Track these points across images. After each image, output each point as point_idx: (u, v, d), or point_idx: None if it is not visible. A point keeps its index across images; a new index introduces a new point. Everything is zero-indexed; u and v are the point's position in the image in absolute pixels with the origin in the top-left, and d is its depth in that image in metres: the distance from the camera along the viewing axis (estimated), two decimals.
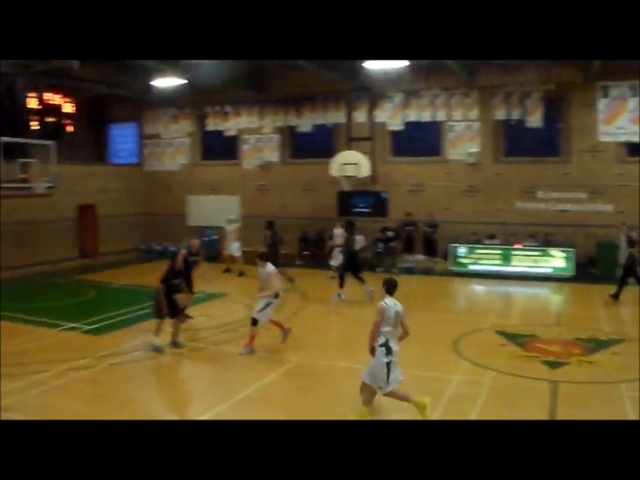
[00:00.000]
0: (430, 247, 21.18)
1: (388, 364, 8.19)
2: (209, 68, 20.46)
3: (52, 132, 22.84)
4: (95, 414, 8.80)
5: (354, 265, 17.23)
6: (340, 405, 9.12)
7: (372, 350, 8.38)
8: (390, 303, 8.40)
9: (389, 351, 8.16)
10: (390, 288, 8.56)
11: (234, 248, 21.86)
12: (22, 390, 9.96)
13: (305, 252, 23.72)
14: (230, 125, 25.99)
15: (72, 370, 11.02)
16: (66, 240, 24.36)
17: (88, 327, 14.12)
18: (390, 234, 21.97)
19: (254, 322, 12.14)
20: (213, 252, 23.22)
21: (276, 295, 12.24)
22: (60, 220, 23.84)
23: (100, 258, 25.36)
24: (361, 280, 16.87)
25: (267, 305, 12.16)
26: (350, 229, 17.92)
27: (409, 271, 21.07)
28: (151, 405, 9.67)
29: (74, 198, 24.28)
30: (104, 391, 10.16)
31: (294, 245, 24.02)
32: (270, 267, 12.36)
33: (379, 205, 22.17)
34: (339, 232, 19.88)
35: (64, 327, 14.14)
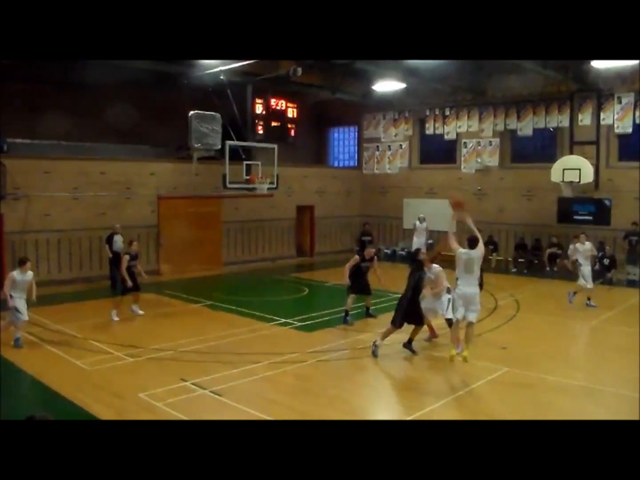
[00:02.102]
0: None
1: (449, 300, 11.61)
2: (429, 72, 20.70)
3: (276, 135, 24.21)
4: (301, 407, 9.68)
5: None
6: (540, 415, 9.00)
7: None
8: (464, 251, 10.96)
9: (448, 291, 11.61)
10: (470, 243, 11.04)
11: (420, 243, 23.45)
12: (236, 378, 10.95)
13: (520, 260, 23.12)
14: (450, 128, 26.58)
15: (281, 363, 11.84)
16: (285, 239, 26.19)
17: (299, 324, 15.14)
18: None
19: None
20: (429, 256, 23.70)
21: (448, 291, 13.01)
22: (280, 219, 25.73)
23: (315, 257, 26.49)
24: None
25: (449, 302, 12.83)
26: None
27: (631, 284, 19.90)
28: (356, 402, 10.13)
29: (293, 199, 26.23)
30: (310, 386, 10.85)
31: (510, 252, 23.52)
32: (436, 267, 13.31)
33: (601, 213, 21.66)
34: (584, 248, 17.25)
35: (278, 322, 15.30)
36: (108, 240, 19.67)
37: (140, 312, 15.82)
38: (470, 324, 11.00)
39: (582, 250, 17.12)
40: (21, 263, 13.26)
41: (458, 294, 11.02)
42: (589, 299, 17.17)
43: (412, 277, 12.29)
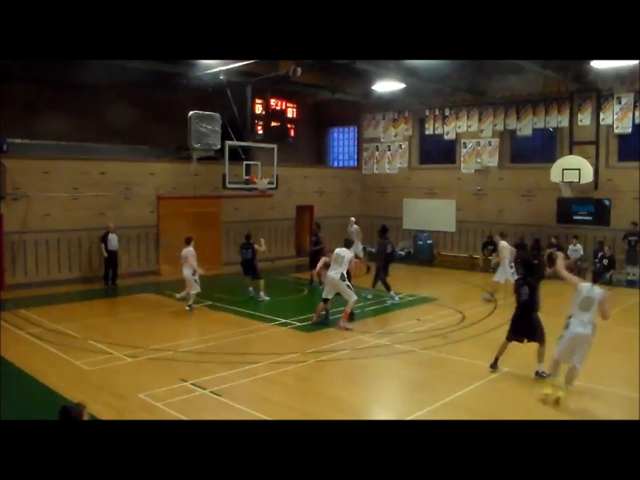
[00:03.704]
0: None
1: (561, 336, 9.79)
2: (429, 72, 20.69)
3: (276, 135, 24.19)
4: (301, 407, 9.65)
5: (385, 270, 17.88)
6: (540, 415, 9.07)
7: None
8: (586, 287, 9.63)
9: (566, 326, 9.68)
10: (595, 276, 10.20)
11: (358, 249, 22.80)
12: (235, 378, 10.94)
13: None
14: (450, 128, 26.53)
15: (281, 363, 11.82)
16: (285, 239, 26.05)
17: (299, 324, 15.10)
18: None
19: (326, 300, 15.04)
20: (429, 256, 23.88)
21: (342, 278, 14.61)
22: (280, 219, 25.67)
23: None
24: (387, 286, 17.71)
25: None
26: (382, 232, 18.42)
27: (630, 284, 19.84)
28: (356, 402, 10.09)
29: (293, 199, 26.14)
30: (310, 386, 10.87)
31: None
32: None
33: (601, 214, 21.53)
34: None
35: (277, 322, 15.26)
36: (103, 240, 20.22)
37: (266, 297, 18.02)
38: (574, 368, 9.76)
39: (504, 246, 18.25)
40: (190, 241, 16.64)
41: (569, 334, 9.68)
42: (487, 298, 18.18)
43: (522, 288, 11.34)
